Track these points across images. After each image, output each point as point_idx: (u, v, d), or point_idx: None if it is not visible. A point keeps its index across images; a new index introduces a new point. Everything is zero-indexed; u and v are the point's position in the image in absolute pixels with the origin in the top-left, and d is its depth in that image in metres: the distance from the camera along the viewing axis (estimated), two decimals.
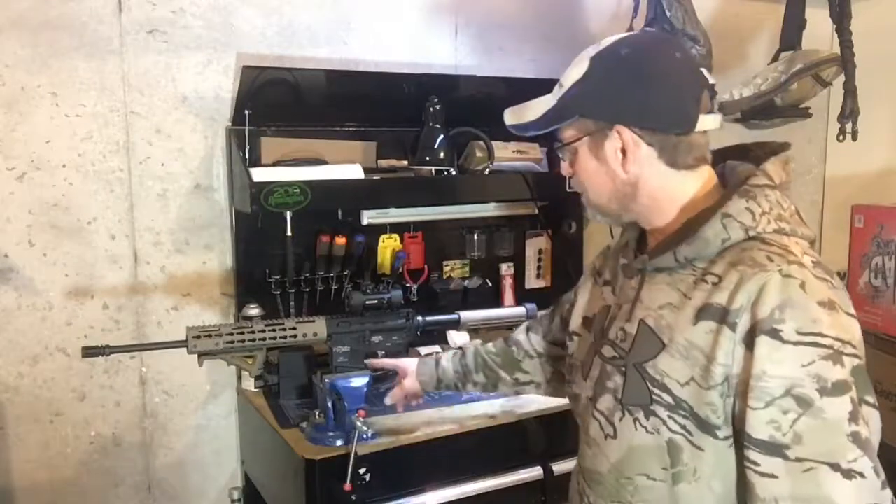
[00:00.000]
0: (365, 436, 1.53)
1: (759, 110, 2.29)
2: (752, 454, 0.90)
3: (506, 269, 2.39)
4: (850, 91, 2.09)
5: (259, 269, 2.02)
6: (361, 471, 1.55)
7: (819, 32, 2.37)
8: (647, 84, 0.99)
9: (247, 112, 1.92)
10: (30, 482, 1.88)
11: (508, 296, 2.38)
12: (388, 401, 1.60)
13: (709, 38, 2.20)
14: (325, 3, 2.09)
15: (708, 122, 1.01)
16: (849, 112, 2.08)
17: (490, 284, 2.36)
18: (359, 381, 1.60)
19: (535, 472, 1.77)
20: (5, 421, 1.85)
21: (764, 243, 0.95)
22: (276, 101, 1.97)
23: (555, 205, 2.40)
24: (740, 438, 0.92)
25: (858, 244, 2.27)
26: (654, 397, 0.98)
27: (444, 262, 2.31)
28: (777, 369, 0.87)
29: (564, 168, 1.10)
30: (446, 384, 1.49)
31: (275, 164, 2.00)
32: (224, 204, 2.03)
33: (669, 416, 0.97)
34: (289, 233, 1.96)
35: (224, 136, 1.99)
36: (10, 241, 1.82)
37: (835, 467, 0.85)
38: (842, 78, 2.12)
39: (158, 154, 1.94)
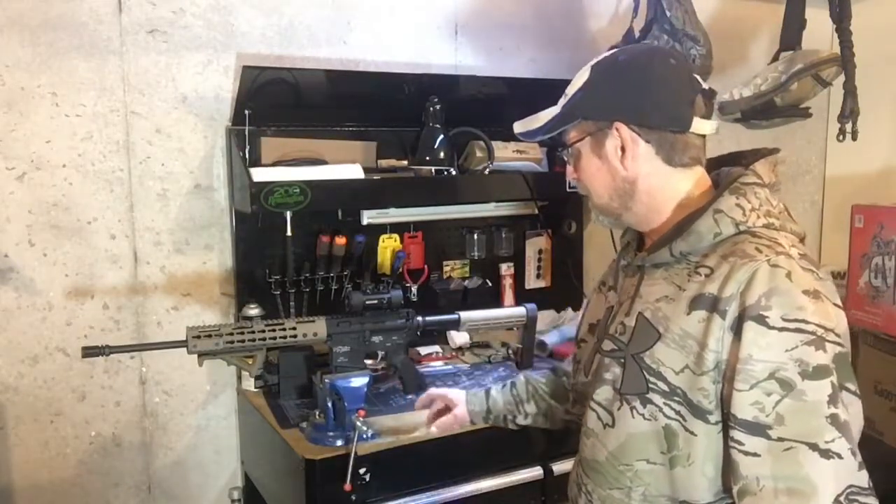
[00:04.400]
0: (365, 436, 1.53)
1: (759, 110, 2.29)
2: (737, 434, 0.94)
3: (506, 269, 2.39)
4: (850, 91, 2.09)
5: (259, 269, 2.02)
6: (361, 471, 1.55)
7: (819, 32, 2.37)
8: (643, 85, 1.06)
9: (247, 112, 1.92)
10: (30, 482, 1.88)
11: (508, 296, 2.39)
12: (434, 429, 1.57)
13: (709, 38, 2.20)
14: (325, 3, 2.09)
15: (702, 125, 1.07)
16: (849, 112, 2.07)
17: (490, 284, 2.36)
18: (359, 381, 1.60)
19: (535, 472, 1.77)
20: (5, 421, 1.85)
21: (754, 236, 1.00)
22: (276, 101, 1.97)
23: (555, 205, 2.40)
24: (727, 421, 0.96)
25: (858, 244, 2.27)
26: (651, 385, 1.03)
27: (444, 262, 2.31)
28: (762, 353, 0.92)
29: (569, 172, 1.17)
30: (496, 414, 1.48)
31: (275, 164, 2.00)
32: (224, 204, 2.03)
33: (665, 403, 1.01)
34: (289, 233, 1.96)
35: (224, 136, 2.00)
36: (10, 241, 1.82)
37: (813, 447, 0.89)
38: (842, 78, 2.12)
39: (158, 154, 1.94)
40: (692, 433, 1.00)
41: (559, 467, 1.78)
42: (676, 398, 1.00)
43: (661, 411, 1.02)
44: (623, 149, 1.07)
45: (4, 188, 1.80)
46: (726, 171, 1.13)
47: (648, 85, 1.06)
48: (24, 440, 1.87)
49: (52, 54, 1.81)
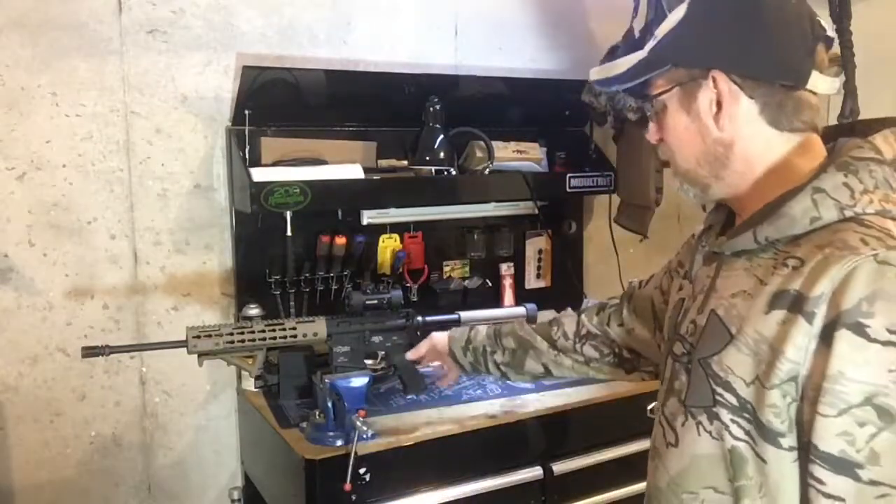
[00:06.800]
0: (365, 436, 1.53)
1: None
2: (818, 470, 0.78)
3: (506, 269, 2.39)
4: (850, 91, 2.09)
5: (259, 269, 2.02)
6: (361, 471, 1.55)
7: None
8: (751, 25, 0.87)
9: (247, 112, 1.92)
10: (30, 482, 1.88)
11: (508, 296, 2.38)
12: (410, 354, 1.61)
13: None
14: (325, 3, 2.09)
15: (821, 81, 0.89)
16: (849, 112, 2.08)
17: (490, 284, 2.36)
18: (359, 381, 1.60)
19: (535, 472, 1.77)
20: (5, 421, 1.85)
21: (861, 225, 0.81)
22: (276, 101, 1.97)
23: (555, 205, 2.40)
24: (807, 451, 0.80)
25: None
26: (717, 397, 0.87)
27: (444, 262, 2.31)
28: (858, 372, 0.75)
29: (651, 132, 0.98)
30: (475, 345, 1.42)
31: (275, 164, 1.99)
32: (224, 204, 2.03)
33: (732, 421, 0.85)
34: (289, 233, 1.96)
35: (224, 136, 1.99)
36: (10, 241, 1.82)
37: None
38: (842, 78, 2.12)
39: (158, 154, 1.94)
40: (762, 459, 0.83)
41: (559, 467, 1.78)
42: (746, 415, 0.84)
43: (727, 430, 0.85)
44: (719, 104, 0.88)
45: (4, 188, 1.80)
46: (843, 142, 0.92)
47: (758, 24, 0.86)
48: (24, 440, 1.87)
49: (52, 54, 1.81)
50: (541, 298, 2.23)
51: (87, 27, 1.84)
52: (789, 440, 0.81)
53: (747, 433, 0.84)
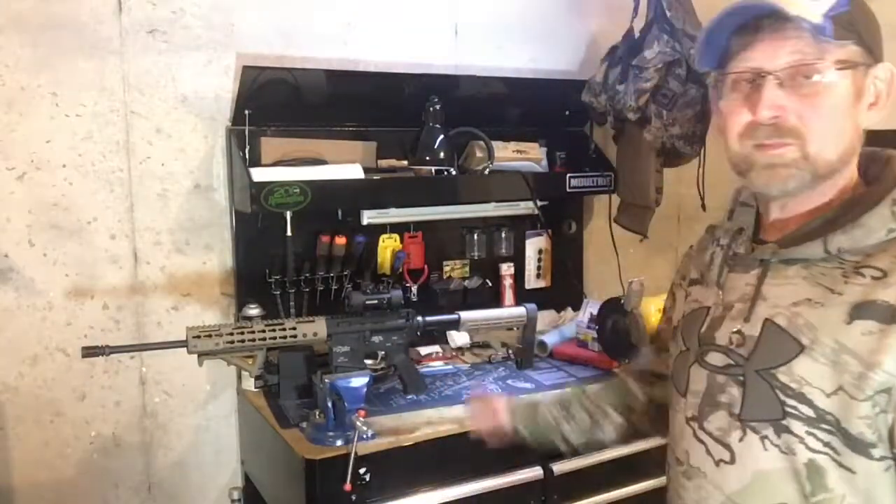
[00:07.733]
0: (365, 436, 1.53)
1: None
2: None
3: (506, 269, 2.39)
4: None
5: (259, 269, 2.02)
6: (361, 471, 1.55)
7: None
8: (878, 29, 0.88)
9: (247, 112, 1.92)
10: (30, 482, 1.88)
11: (508, 296, 2.38)
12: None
13: None
14: (325, 3, 2.09)
15: None
16: None
17: (490, 284, 2.36)
18: (359, 381, 1.60)
19: (535, 472, 1.77)
20: (5, 421, 1.85)
21: None
22: (276, 101, 1.97)
23: (555, 205, 2.40)
24: None
25: None
26: (788, 409, 0.84)
27: (444, 262, 2.31)
28: None
29: (772, 101, 0.85)
30: (542, 416, 1.27)
31: (275, 164, 2.00)
32: (224, 204, 2.03)
33: (808, 433, 0.83)
34: (289, 233, 1.96)
35: (224, 136, 1.99)
36: (10, 241, 1.82)
37: None
38: None
39: (158, 154, 1.94)
40: (849, 470, 0.82)
41: (559, 467, 1.78)
42: (825, 426, 0.82)
43: (802, 442, 0.83)
44: (877, 97, 0.86)
45: (4, 188, 1.80)
46: (866, 151, 0.92)
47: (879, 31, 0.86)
48: (24, 440, 1.87)
49: (52, 54, 1.81)
50: (541, 298, 2.23)
51: (87, 27, 1.84)
52: (880, 450, 0.81)
53: (826, 444, 0.82)
